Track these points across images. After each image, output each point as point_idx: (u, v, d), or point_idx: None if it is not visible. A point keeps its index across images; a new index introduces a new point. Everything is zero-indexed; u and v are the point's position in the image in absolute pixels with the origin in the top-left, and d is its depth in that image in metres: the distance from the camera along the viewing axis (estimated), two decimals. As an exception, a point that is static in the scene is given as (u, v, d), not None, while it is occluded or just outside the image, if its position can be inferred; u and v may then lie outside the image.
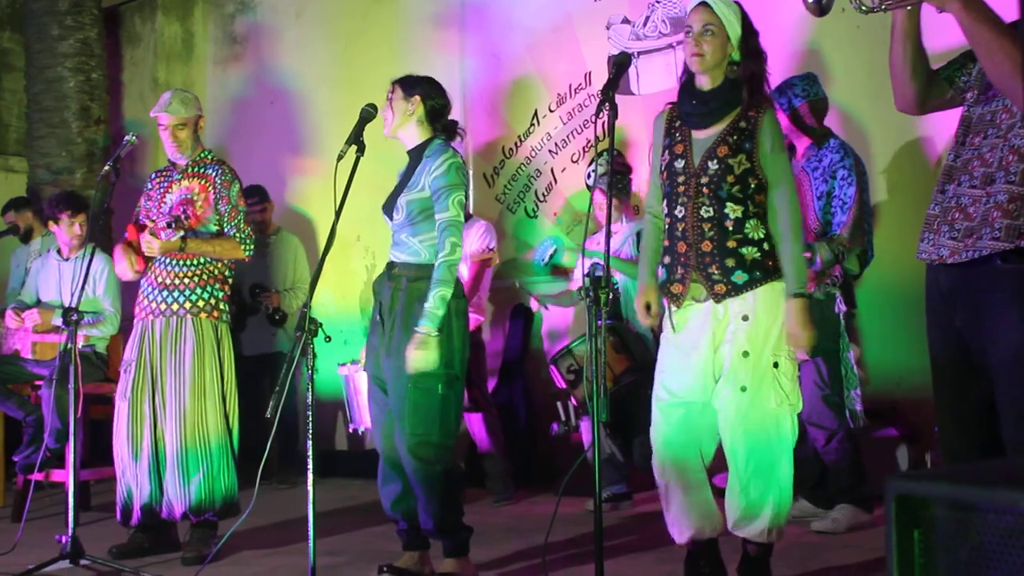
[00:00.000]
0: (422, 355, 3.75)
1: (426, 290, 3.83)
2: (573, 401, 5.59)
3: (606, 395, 3.06)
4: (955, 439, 2.85)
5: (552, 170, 6.91)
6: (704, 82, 3.54)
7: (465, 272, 5.88)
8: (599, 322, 3.16)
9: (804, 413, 4.84)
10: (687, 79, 3.61)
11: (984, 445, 2.75)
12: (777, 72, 5.14)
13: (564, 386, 5.51)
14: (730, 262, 3.44)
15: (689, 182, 3.50)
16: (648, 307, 3.64)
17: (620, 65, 3.44)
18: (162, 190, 4.82)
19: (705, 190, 3.47)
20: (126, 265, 4.74)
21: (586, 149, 6.71)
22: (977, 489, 1.40)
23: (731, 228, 3.45)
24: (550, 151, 6.93)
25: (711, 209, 3.46)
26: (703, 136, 3.53)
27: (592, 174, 5.67)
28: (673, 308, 3.56)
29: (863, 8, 2.76)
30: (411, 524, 4.01)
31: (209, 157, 4.87)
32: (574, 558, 4.27)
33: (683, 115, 3.60)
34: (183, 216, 4.63)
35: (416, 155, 4.03)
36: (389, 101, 4.04)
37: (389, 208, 4.03)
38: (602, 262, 3.26)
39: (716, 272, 3.45)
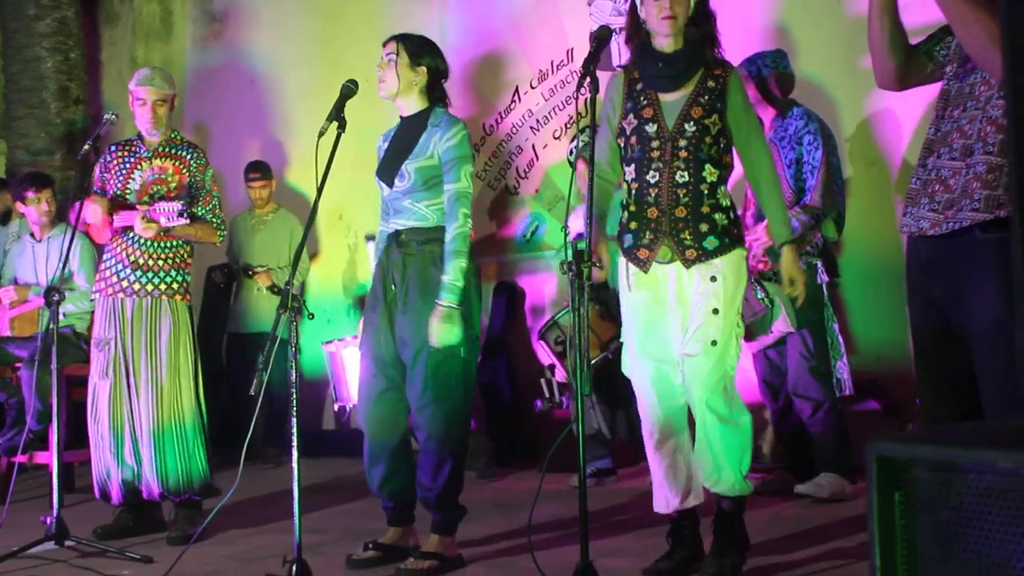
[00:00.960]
0: (447, 328, 3.75)
1: (439, 253, 3.83)
2: (557, 377, 5.59)
3: (589, 369, 3.06)
4: (936, 408, 2.87)
5: (533, 147, 6.90)
6: (665, 44, 3.51)
7: None
8: (582, 295, 3.16)
9: (790, 385, 4.88)
10: (643, 41, 3.56)
11: (965, 414, 2.76)
12: (749, 47, 5.16)
13: (549, 362, 5.51)
14: (703, 227, 3.45)
15: (665, 146, 3.48)
16: (599, 261, 3.56)
17: (600, 39, 3.42)
18: (128, 165, 4.78)
19: (683, 153, 3.46)
20: (97, 208, 4.68)
21: (568, 125, 6.70)
22: (957, 450, 1.40)
23: (706, 192, 3.46)
24: (531, 127, 6.92)
25: (686, 174, 3.45)
26: (672, 99, 3.51)
27: (574, 150, 5.67)
28: (635, 270, 3.55)
29: None
30: (397, 503, 4.02)
31: (179, 138, 4.87)
32: (559, 535, 4.28)
33: (647, 78, 3.56)
34: (188, 206, 4.62)
35: (416, 122, 3.97)
36: (391, 62, 3.93)
37: (390, 174, 3.95)
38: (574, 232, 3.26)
39: (688, 237, 3.45)
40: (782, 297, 4.68)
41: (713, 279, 3.45)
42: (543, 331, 5.50)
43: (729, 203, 3.53)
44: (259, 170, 7.30)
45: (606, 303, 5.29)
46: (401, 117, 4.04)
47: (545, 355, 5.52)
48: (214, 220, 4.79)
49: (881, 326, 5.55)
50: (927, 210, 2.76)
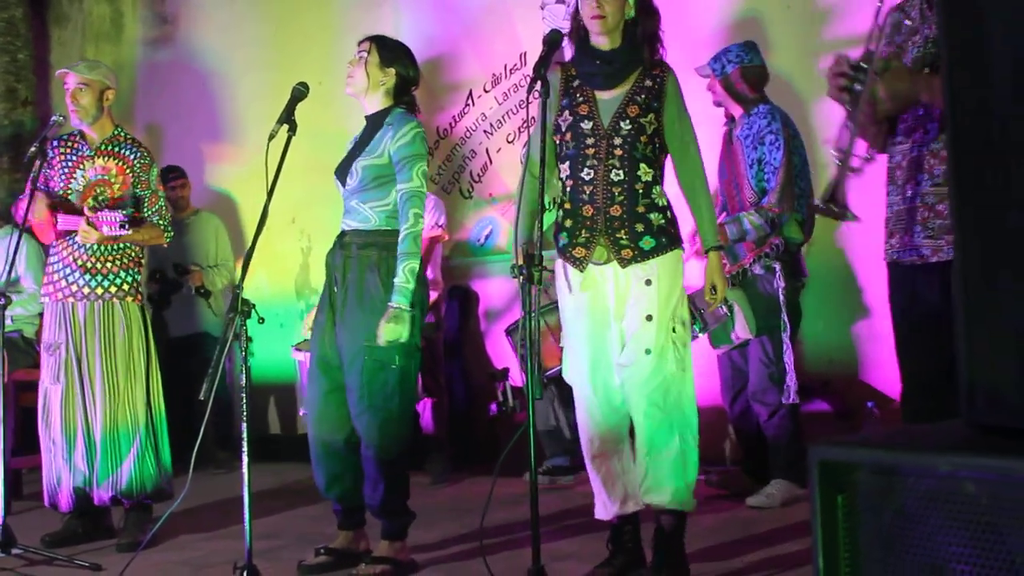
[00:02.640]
0: (394, 328, 3.72)
1: (376, 258, 3.81)
2: (511, 381, 5.58)
3: (540, 372, 3.06)
4: (917, 398, 2.89)
5: (487, 151, 6.90)
6: (603, 42, 3.53)
7: None
8: (542, 300, 3.16)
9: (749, 389, 4.86)
10: (582, 38, 3.57)
11: (946, 405, 2.78)
12: (714, 43, 5.16)
13: (503, 365, 5.50)
14: (639, 227, 3.45)
15: (600, 144, 3.48)
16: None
17: (552, 43, 3.43)
18: (70, 163, 4.70)
19: (618, 151, 3.46)
20: (40, 206, 4.60)
21: (521, 130, 6.70)
22: (898, 453, 1.42)
23: (641, 192, 3.46)
24: (485, 131, 6.91)
25: (621, 172, 3.46)
26: (609, 96, 3.52)
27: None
28: (572, 270, 3.54)
29: (844, 162, 2.77)
30: (345, 506, 4.00)
31: (124, 135, 4.79)
32: (513, 539, 4.27)
33: (583, 75, 3.57)
34: (132, 215, 4.54)
35: (375, 121, 3.98)
36: (362, 60, 3.95)
37: (343, 173, 3.96)
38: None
39: (624, 237, 3.45)
40: (740, 303, 4.68)
41: (648, 283, 3.44)
42: (510, 329, 5.47)
43: (665, 203, 3.52)
44: (176, 170, 7.18)
45: None
46: (365, 116, 4.04)
47: (511, 352, 5.48)
48: (160, 222, 4.72)
49: (830, 329, 5.59)
50: (923, 238, 2.78)
